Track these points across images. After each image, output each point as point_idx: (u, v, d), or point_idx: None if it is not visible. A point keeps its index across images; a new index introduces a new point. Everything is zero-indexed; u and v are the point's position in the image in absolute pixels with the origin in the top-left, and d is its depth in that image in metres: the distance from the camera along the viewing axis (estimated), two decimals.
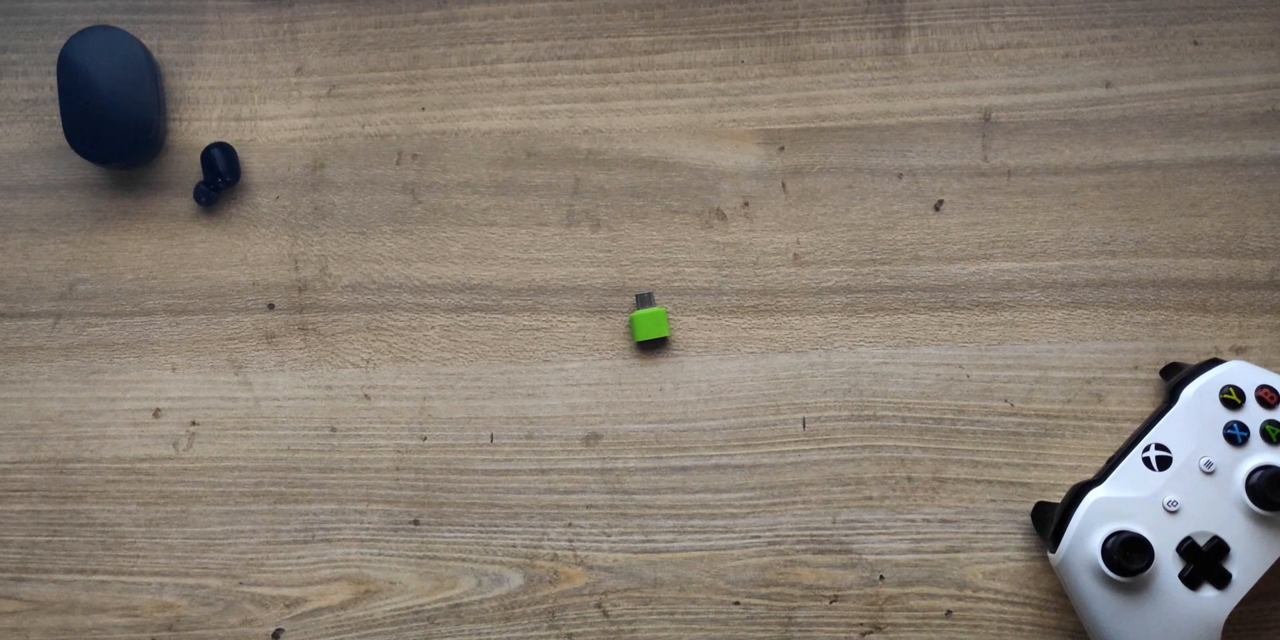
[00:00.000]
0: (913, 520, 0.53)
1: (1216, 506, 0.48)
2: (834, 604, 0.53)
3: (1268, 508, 0.47)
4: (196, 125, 0.57)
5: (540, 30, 0.56)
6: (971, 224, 0.55)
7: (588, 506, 0.54)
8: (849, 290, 0.55)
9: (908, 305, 0.54)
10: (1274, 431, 0.49)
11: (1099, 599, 0.48)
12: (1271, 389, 0.49)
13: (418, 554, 0.54)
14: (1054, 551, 0.49)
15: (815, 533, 0.53)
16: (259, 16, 0.57)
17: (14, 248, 0.56)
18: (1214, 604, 0.47)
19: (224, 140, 0.56)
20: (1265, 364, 0.53)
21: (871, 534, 0.53)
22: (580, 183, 0.56)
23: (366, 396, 0.55)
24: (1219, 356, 0.52)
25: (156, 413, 0.55)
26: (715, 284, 0.55)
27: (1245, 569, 0.48)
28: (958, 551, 0.53)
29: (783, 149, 0.55)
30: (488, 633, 0.53)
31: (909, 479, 0.53)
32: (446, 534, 0.54)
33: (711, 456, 0.54)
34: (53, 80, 0.57)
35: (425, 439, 0.54)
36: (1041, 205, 0.55)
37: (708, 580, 0.53)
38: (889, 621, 0.53)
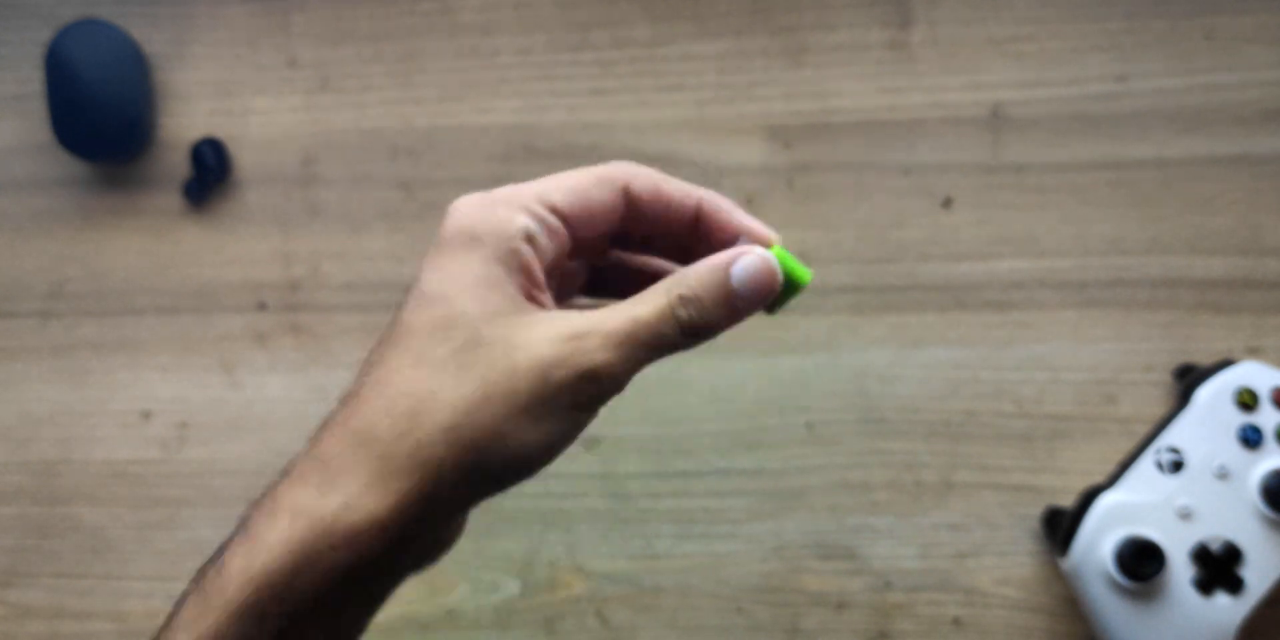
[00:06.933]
0: (920, 525, 0.52)
1: (1230, 511, 0.47)
2: (840, 611, 0.52)
3: None
4: (186, 120, 0.56)
5: (539, 22, 0.56)
6: (981, 221, 0.54)
7: (587, 511, 0.53)
8: (856, 289, 0.54)
9: (916, 305, 0.54)
10: None
11: (1110, 605, 0.47)
12: None
13: None
14: (1064, 557, 0.49)
15: (820, 538, 0.53)
16: (250, 8, 0.56)
17: (0, 246, 0.56)
18: (1227, 610, 0.47)
19: (214, 135, 0.56)
20: None
21: (878, 539, 0.52)
22: None
23: None
24: (1233, 357, 0.52)
25: (146, 414, 0.55)
26: None
27: (1259, 574, 0.47)
28: (966, 557, 0.52)
29: (788, 144, 0.55)
30: None
31: (916, 483, 0.53)
32: None
33: (714, 461, 0.53)
34: (40, 75, 0.56)
35: None
36: (1052, 202, 0.54)
37: (710, 587, 0.52)
38: (896, 629, 0.52)
